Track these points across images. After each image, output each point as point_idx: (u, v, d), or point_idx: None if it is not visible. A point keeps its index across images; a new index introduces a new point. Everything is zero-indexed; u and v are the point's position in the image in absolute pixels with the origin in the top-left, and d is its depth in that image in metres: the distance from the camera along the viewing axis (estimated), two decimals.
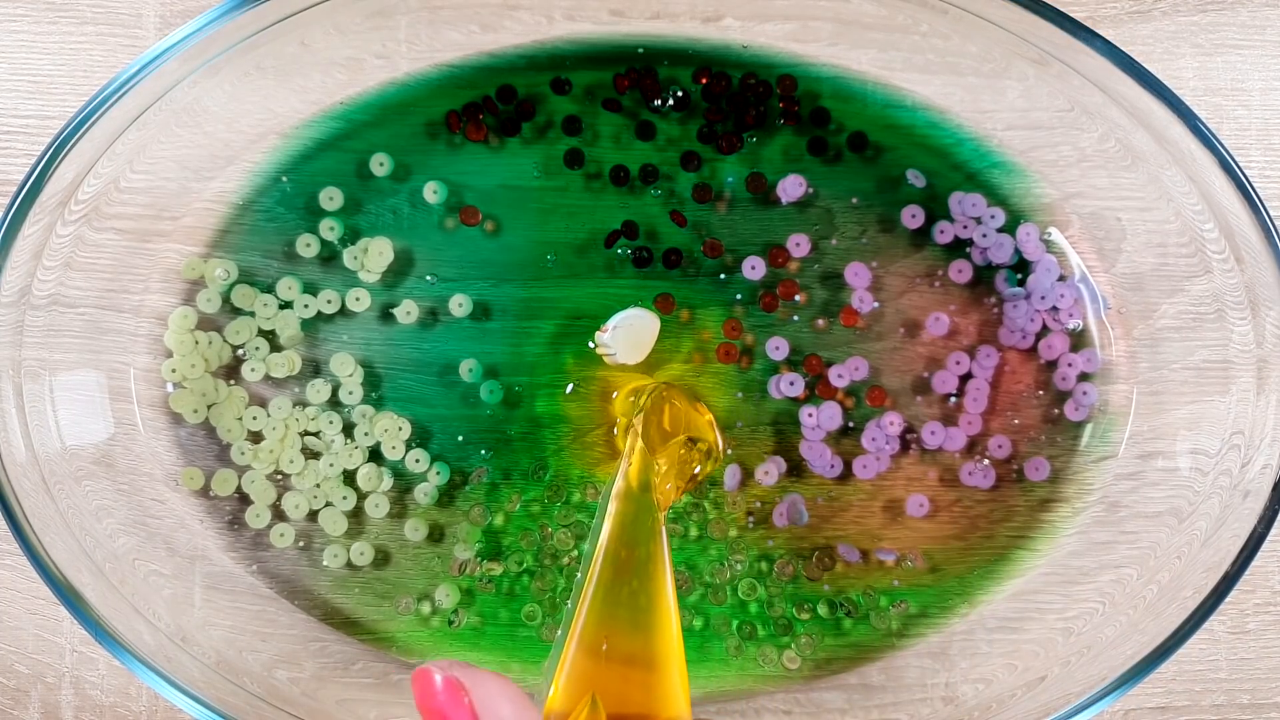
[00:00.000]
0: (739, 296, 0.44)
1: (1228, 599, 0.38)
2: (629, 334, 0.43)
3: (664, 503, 0.38)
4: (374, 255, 0.43)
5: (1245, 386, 0.41)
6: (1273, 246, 0.38)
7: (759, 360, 0.44)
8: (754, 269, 0.43)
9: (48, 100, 0.44)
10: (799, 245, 0.43)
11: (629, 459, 0.38)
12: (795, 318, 0.44)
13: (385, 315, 0.43)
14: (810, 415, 0.43)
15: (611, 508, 0.36)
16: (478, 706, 0.28)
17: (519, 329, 0.43)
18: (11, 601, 0.44)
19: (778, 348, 0.43)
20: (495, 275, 0.43)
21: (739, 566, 0.43)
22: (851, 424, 0.44)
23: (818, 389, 0.43)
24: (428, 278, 0.43)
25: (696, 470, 0.41)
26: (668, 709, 0.32)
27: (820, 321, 0.44)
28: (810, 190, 0.44)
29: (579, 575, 0.35)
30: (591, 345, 0.43)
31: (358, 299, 0.43)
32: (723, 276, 0.44)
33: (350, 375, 0.43)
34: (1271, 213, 0.38)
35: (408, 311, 0.43)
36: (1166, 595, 0.40)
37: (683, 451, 0.41)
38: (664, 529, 0.36)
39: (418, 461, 0.43)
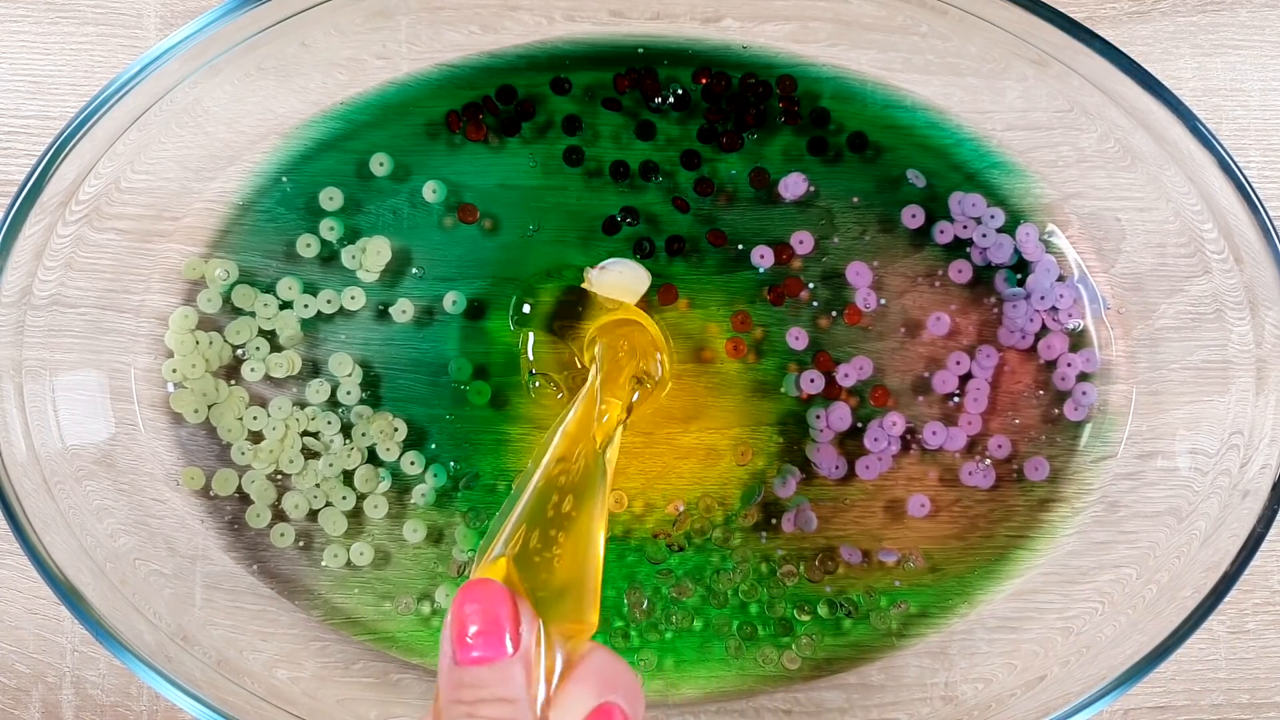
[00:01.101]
0: (761, 271, 0.43)
1: (1227, 599, 0.38)
2: (616, 278, 0.43)
3: (604, 428, 0.39)
4: (372, 254, 0.43)
5: (1244, 386, 0.41)
6: (1272, 247, 0.38)
7: (769, 357, 0.44)
8: (763, 258, 0.43)
9: (49, 100, 0.44)
10: (802, 243, 0.43)
11: (580, 403, 0.39)
12: (815, 303, 0.44)
13: (382, 315, 0.43)
14: (819, 417, 0.43)
15: (557, 442, 0.37)
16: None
17: (516, 328, 0.43)
18: (12, 601, 0.44)
19: (797, 338, 0.43)
20: (494, 274, 0.43)
21: (738, 577, 0.43)
22: (859, 424, 0.44)
23: (823, 389, 0.43)
24: (413, 270, 0.43)
25: (634, 398, 0.42)
26: (581, 617, 0.33)
27: (823, 320, 0.44)
28: (812, 189, 0.44)
29: (508, 499, 0.36)
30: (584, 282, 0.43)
31: (353, 298, 0.43)
32: (734, 256, 0.44)
33: (349, 375, 0.43)
34: (1270, 213, 0.38)
35: (403, 310, 0.43)
36: (1165, 595, 0.40)
37: (633, 383, 0.41)
38: (609, 462, 0.37)
39: (412, 463, 0.43)
